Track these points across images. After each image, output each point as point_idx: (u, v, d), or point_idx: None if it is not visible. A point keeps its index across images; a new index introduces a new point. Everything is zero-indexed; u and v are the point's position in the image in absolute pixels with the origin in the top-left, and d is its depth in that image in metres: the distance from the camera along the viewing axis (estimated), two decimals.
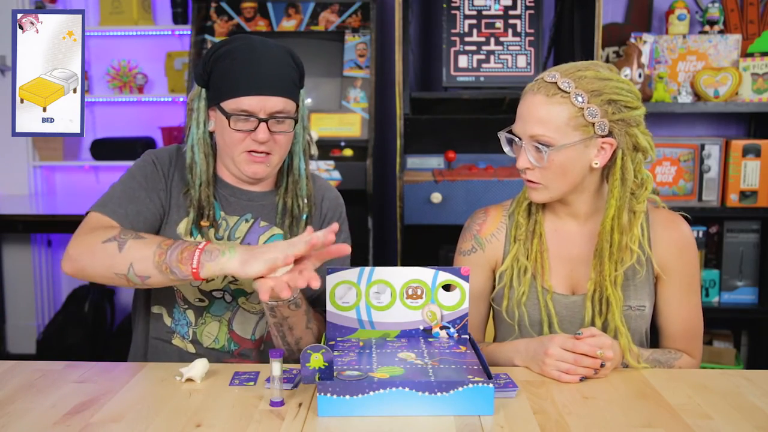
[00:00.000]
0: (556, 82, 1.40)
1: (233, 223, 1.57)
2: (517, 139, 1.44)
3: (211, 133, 1.54)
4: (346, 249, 1.33)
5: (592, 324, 1.47)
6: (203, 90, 1.52)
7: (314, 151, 1.65)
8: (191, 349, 1.54)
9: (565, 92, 1.38)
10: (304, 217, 1.59)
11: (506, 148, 1.49)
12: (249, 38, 1.51)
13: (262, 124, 1.45)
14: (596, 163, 1.42)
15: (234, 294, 1.55)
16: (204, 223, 1.53)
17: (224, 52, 1.48)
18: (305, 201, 1.59)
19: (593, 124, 1.39)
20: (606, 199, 1.47)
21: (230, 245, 1.32)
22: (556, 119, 1.39)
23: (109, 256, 1.35)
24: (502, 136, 1.48)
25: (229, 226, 1.56)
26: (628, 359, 1.40)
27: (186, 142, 1.55)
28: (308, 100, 3.10)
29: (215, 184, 1.57)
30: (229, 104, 1.46)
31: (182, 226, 1.53)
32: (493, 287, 1.57)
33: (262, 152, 1.48)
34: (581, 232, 1.52)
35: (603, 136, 1.40)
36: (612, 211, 1.43)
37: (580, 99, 1.38)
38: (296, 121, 1.51)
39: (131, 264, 1.34)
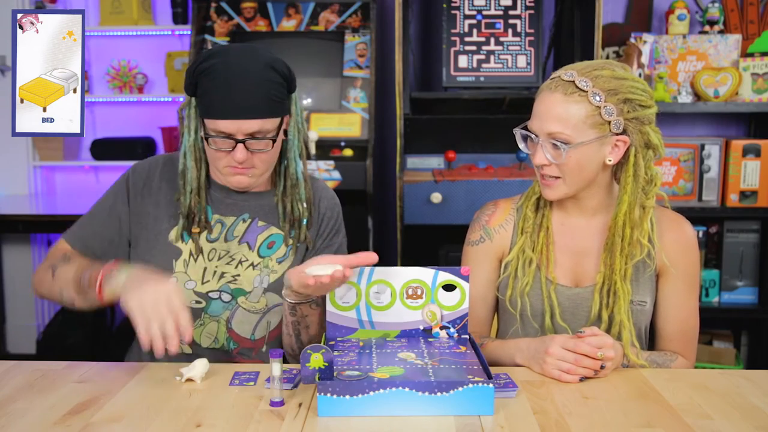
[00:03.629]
0: (573, 81, 1.41)
1: (230, 223, 1.58)
2: (533, 136, 1.46)
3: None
4: (373, 257, 1.34)
5: (599, 316, 1.49)
6: (193, 99, 1.52)
7: (312, 151, 1.66)
8: (188, 350, 1.54)
9: (583, 91, 1.40)
10: (305, 222, 1.60)
11: (521, 145, 1.50)
12: (228, 55, 1.47)
13: (240, 145, 1.46)
14: (610, 160, 1.45)
15: (233, 293, 1.55)
16: (195, 230, 1.55)
17: (203, 69, 1.46)
18: (305, 205, 1.60)
19: (609, 122, 1.41)
20: (615, 195, 1.50)
21: (130, 267, 1.37)
22: (574, 117, 1.40)
23: (48, 282, 1.48)
24: (518, 132, 1.49)
25: (225, 226, 1.57)
26: (628, 353, 1.41)
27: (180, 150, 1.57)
28: (308, 100, 3.10)
29: (209, 187, 1.58)
30: (208, 123, 1.47)
31: (173, 234, 1.56)
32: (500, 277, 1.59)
33: (244, 167, 1.50)
34: (588, 227, 1.53)
35: (617, 134, 1.42)
36: (624, 206, 1.45)
37: (597, 98, 1.40)
38: (274, 141, 1.49)
39: (61, 289, 1.45)
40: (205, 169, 1.57)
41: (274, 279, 1.56)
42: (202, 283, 1.54)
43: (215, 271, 1.55)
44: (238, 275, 1.55)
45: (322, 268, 1.30)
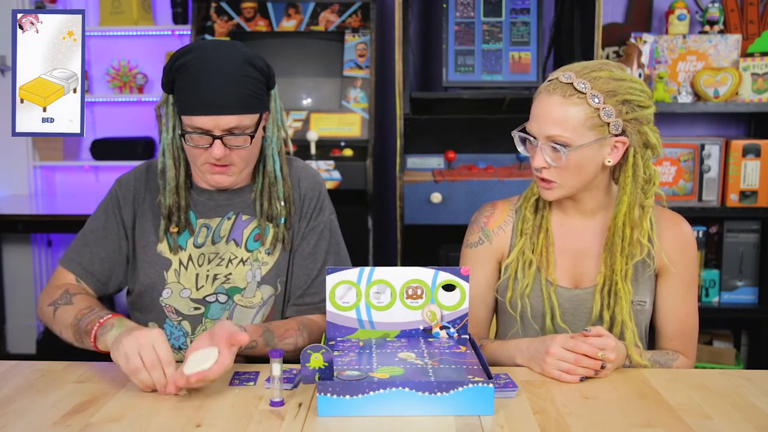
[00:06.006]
0: (572, 83, 1.41)
1: (215, 224, 1.57)
2: (532, 139, 1.45)
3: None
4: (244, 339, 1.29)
5: (600, 317, 1.48)
6: (170, 96, 1.51)
7: (291, 148, 1.64)
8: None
9: (582, 93, 1.40)
10: (282, 220, 1.58)
11: (520, 148, 1.50)
12: (204, 50, 1.47)
13: (217, 141, 1.45)
14: (609, 161, 1.44)
15: (229, 293, 1.55)
16: (173, 229, 1.54)
17: (180, 66, 1.46)
18: (282, 204, 1.58)
19: (608, 123, 1.40)
20: (614, 195, 1.50)
21: (123, 323, 1.35)
22: (573, 120, 1.40)
23: (49, 320, 1.49)
24: (516, 135, 1.48)
25: (211, 228, 1.57)
26: (632, 354, 1.41)
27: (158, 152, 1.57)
28: (308, 100, 3.10)
29: (190, 190, 1.58)
30: (185, 120, 1.46)
31: (162, 245, 1.56)
32: (500, 279, 1.58)
33: (222, 165, 1.49)
34: (587, 227, 1.53)
35: (616, 135, 1.42)
36: (624, 207, 1.45)
37: (596, 100, 1.39)
38: (252, 137, 1.48)
39: (61, 330, 1.46)
40: (184, 168, 1.56)
41: (265, 271, 1.56)
42: (197, 289, 1.54)
43: (207, 275, 1.55)
44: (230, 274, 1.55)
45: (201, 358, 1.25)
